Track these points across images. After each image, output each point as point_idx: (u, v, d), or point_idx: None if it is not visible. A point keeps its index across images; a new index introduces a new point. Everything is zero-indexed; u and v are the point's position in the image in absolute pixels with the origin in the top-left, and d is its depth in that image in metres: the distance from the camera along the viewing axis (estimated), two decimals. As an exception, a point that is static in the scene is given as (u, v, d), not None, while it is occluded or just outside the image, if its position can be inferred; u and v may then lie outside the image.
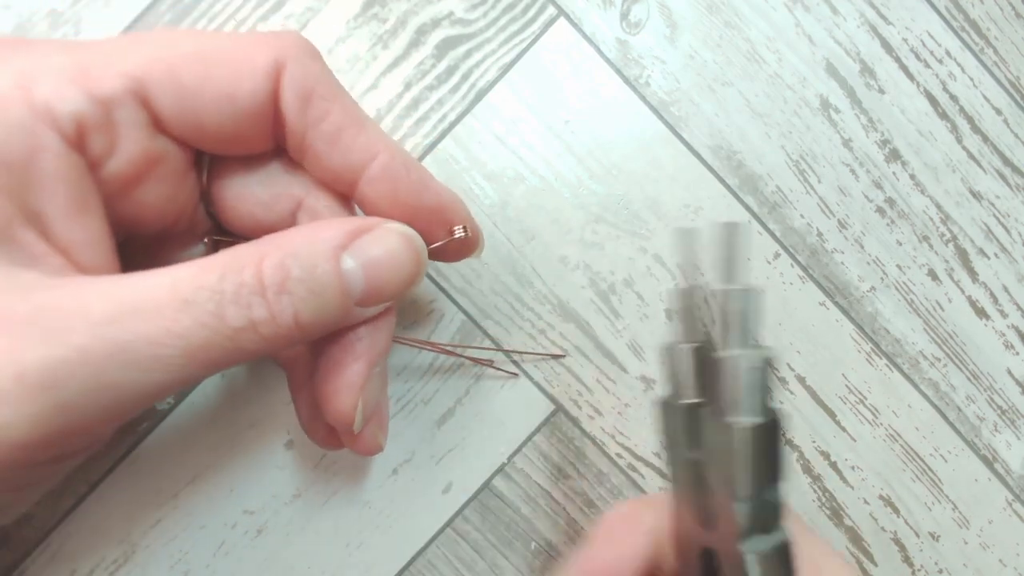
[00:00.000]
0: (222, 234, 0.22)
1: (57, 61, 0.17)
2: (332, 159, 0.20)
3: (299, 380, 0.23)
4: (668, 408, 0.19)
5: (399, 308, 0.28)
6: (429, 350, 0.27)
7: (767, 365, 0.16)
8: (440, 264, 0.28)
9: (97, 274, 0.17)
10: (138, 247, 0.21)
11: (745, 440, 0.16)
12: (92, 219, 0.18)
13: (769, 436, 0.16)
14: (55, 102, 0.17)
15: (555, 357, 0.28)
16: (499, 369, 0.28)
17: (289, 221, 0.21)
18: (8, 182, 0.16)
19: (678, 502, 0.19)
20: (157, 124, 0.18)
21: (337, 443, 0.23)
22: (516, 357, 0.28)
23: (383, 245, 0.19)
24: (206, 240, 0.22)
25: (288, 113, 0.19)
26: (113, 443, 0.26)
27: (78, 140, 0.17)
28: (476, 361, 0.28)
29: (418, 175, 0.21)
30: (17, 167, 0.16)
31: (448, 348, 0.27)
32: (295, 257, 0.17)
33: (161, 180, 0.19)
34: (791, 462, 0.29)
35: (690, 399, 0.18)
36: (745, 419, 0.16)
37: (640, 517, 0.20)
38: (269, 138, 0.20)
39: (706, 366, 0.18)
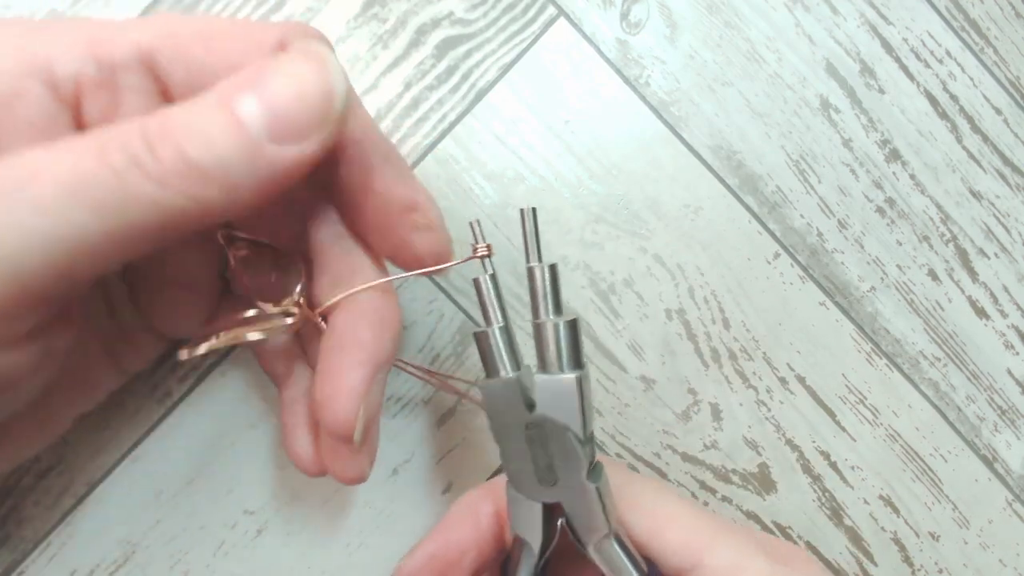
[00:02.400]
0: (232, 226, 0.22)
1: (71, 34, 0.18)
2: None
3: (287, 397, 0.23)
4: (492, 386, 0.20)
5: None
6: (421, 378, 0.27)
7: (575, 326, 0.19)
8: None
9: None
10: None
11: (575, 389, 0.19)
12: None
13: (586, 385, 0.20)
14: (56, 62, 0.17)
15: None
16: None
17: (288, 211, 0.21)
18: None
19: (517, 471, 0.20)
20: (165, 95, 0.19)
21: (320, 468, 0.22)
22: None
23: (284, 73, 0.16)
24: (220, 233, 0.22)
25: None
26: (113, 443, 0.26)
27: (75, 99, 0.18)
28: (461, 395, 0.27)
29: (386, 158, 0.20)
30: None
31: (447, 377, 0.27)
32: (180, 109, 0.16)
33: None
34: (791, 462, 0.29)
35: (510, 372, 0.20)
36: (569, 372, 0.19)
37: (478, 506, 0.22)
38: None
39: (513, 341, 0.20)
